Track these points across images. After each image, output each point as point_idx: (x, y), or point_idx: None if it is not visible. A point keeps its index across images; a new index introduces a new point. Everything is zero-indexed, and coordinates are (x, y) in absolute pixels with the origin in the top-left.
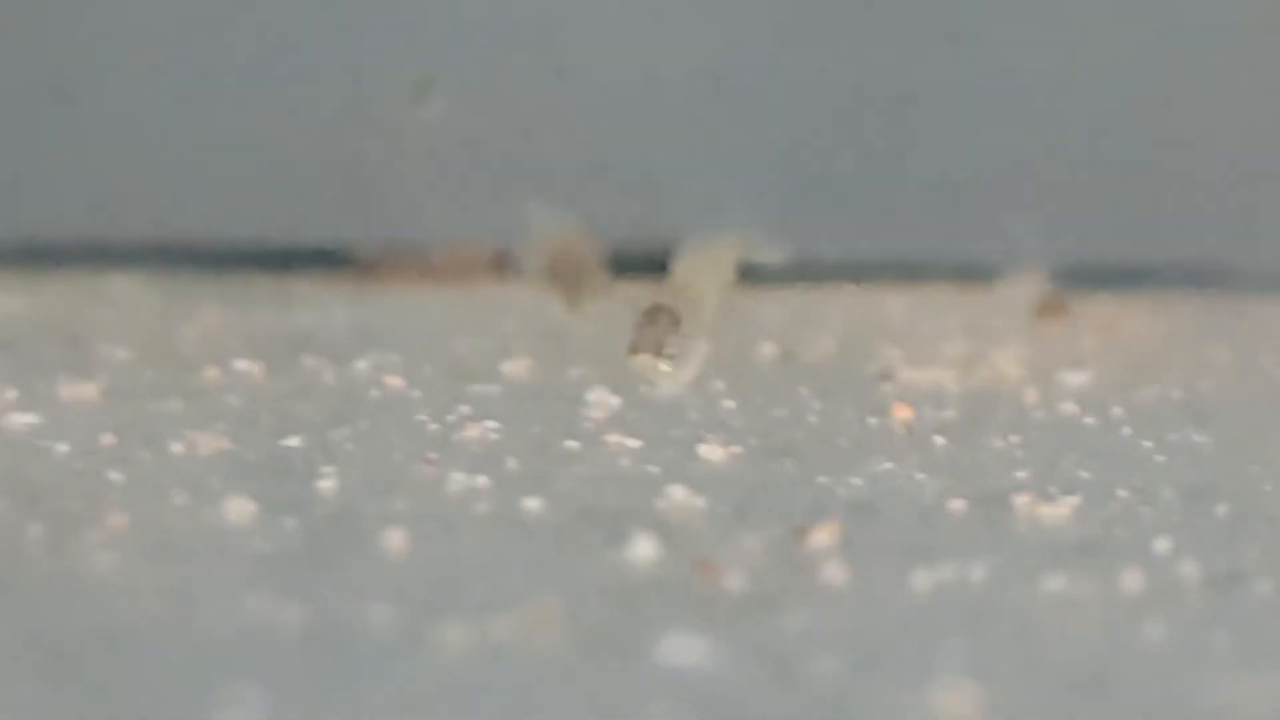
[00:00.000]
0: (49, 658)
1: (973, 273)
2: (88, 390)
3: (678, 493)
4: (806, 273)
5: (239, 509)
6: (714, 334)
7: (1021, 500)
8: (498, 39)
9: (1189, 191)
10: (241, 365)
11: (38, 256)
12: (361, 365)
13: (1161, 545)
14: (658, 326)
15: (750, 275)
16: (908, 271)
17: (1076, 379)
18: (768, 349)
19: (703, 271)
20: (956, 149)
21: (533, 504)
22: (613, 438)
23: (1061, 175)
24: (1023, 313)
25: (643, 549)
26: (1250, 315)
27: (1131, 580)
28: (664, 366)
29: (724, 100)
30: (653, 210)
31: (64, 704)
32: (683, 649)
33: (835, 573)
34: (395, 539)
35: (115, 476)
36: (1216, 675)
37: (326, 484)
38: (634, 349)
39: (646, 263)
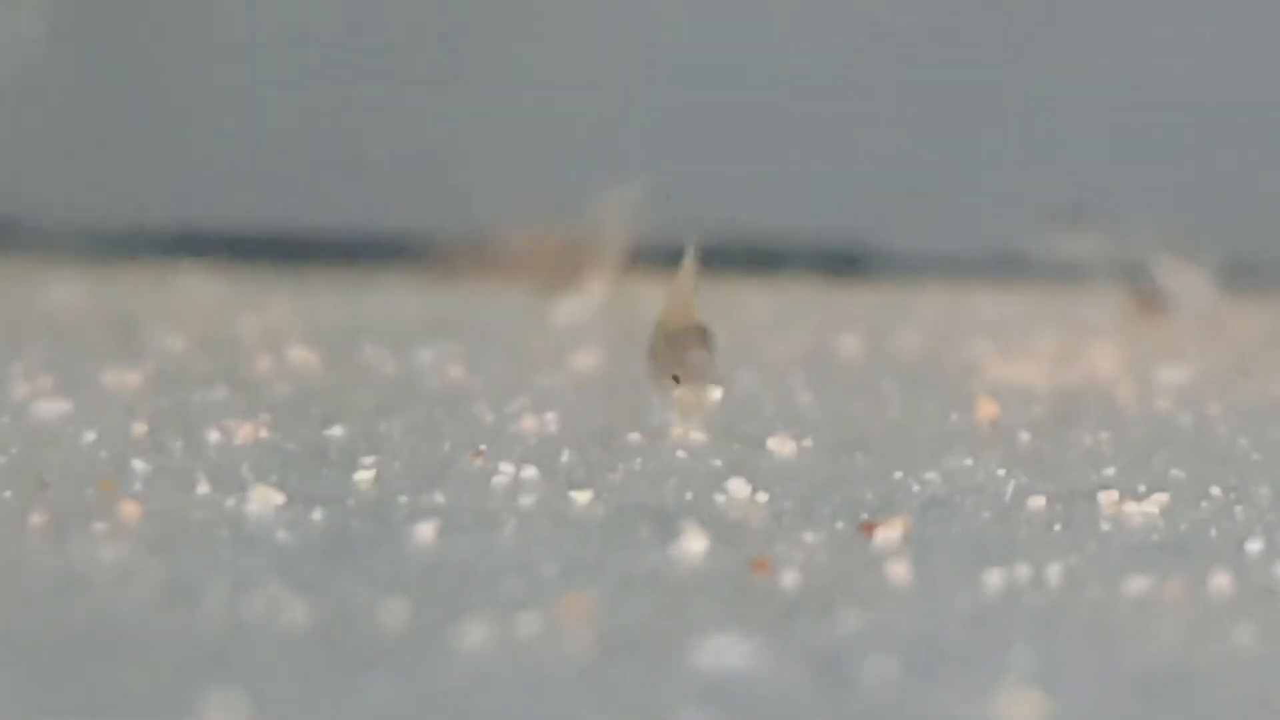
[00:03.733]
0: (36, 653)
1: (1070, 270)
2: (131, 379)
3: (739, 487)
4: (899, 267)
5: (263, 499)
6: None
7: (1107, 498)
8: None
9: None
10: (297, 354)
11: (106, 246)
12: (424, 355)
13: (1254, 546)
14: (696, 349)
15: (838, 268)
16: (1003, 267)
17: (1173, 375)
18: (852, 343)
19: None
20: (1055, 144)
21: (582, 498)
22: (678, 430)
23: (1164, 169)
24: (1120, 308)
25: (693, 545)
26: None
27: (1220, 582)
28: (715, 393)
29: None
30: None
31: (50, 700)
32: (722, 651)
33: (900, 571)
34: (425, 532)
35: (140, 465)
36: None
37: (364, 475)
38: (677, 379)
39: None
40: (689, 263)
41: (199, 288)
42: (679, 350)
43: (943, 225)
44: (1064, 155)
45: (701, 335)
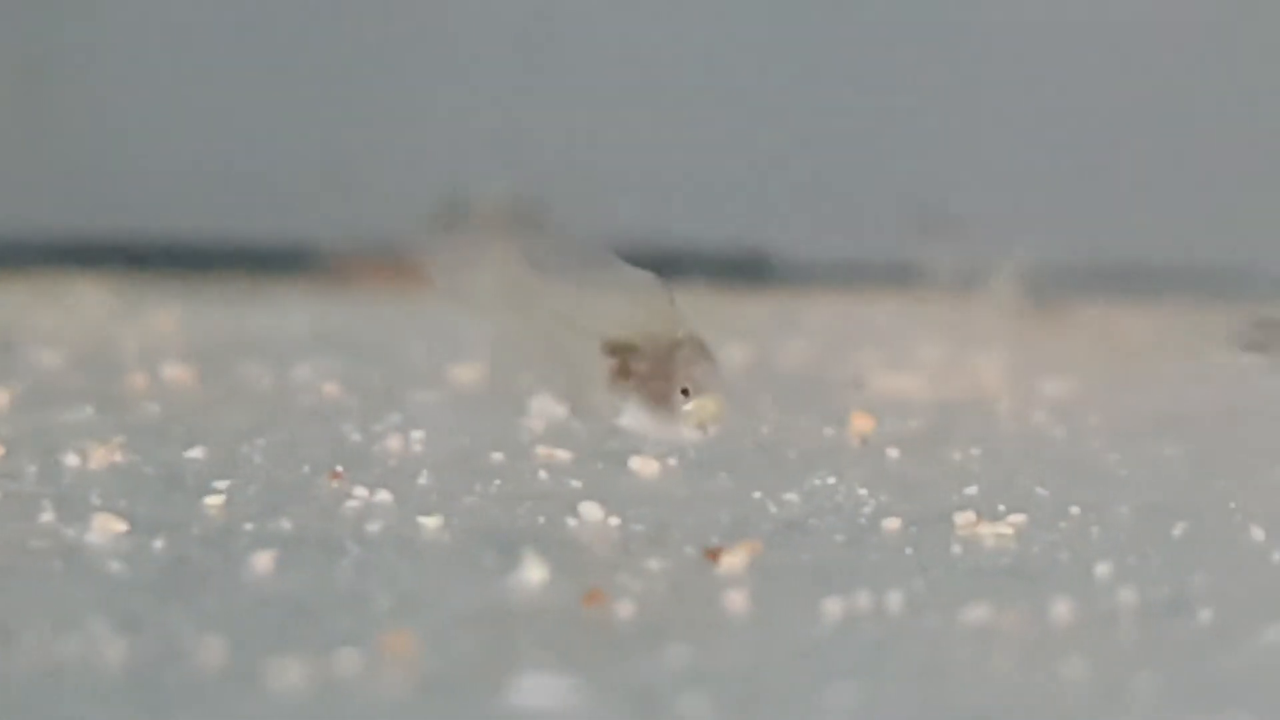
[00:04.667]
0: None
1: (959, 276)
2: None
3: (591, 511)
4: (788, 276)
5: (104, 528)
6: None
7: (964, 519)
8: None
9: (1187, 193)
10: (172, 371)
11: None
12: (301, 371)
13: (1103, 570)
14: (702, 361)
15: (731, 277)
16: (892, 275)
17: (1055, 387)
18: (738, 353)
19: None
20: (937, 151)
21: (430, 523)
22: (543, 449)
23: (1054, 176)
24: (1009, 318)
25: (531, 575)
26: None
27: (1061, 610)
28: (716, 405)
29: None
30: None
31: None
32: (542, 688)
33: (738, 601)
34: (263, 562)
35: None
36: (1135, 718)
37: (214, 500)
38: (686, 392)
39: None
40: (655, 278)
41: (84, 300)
42: (682, 365)
43: (841, 233)
44: (954, 162)
45: (701, 348)
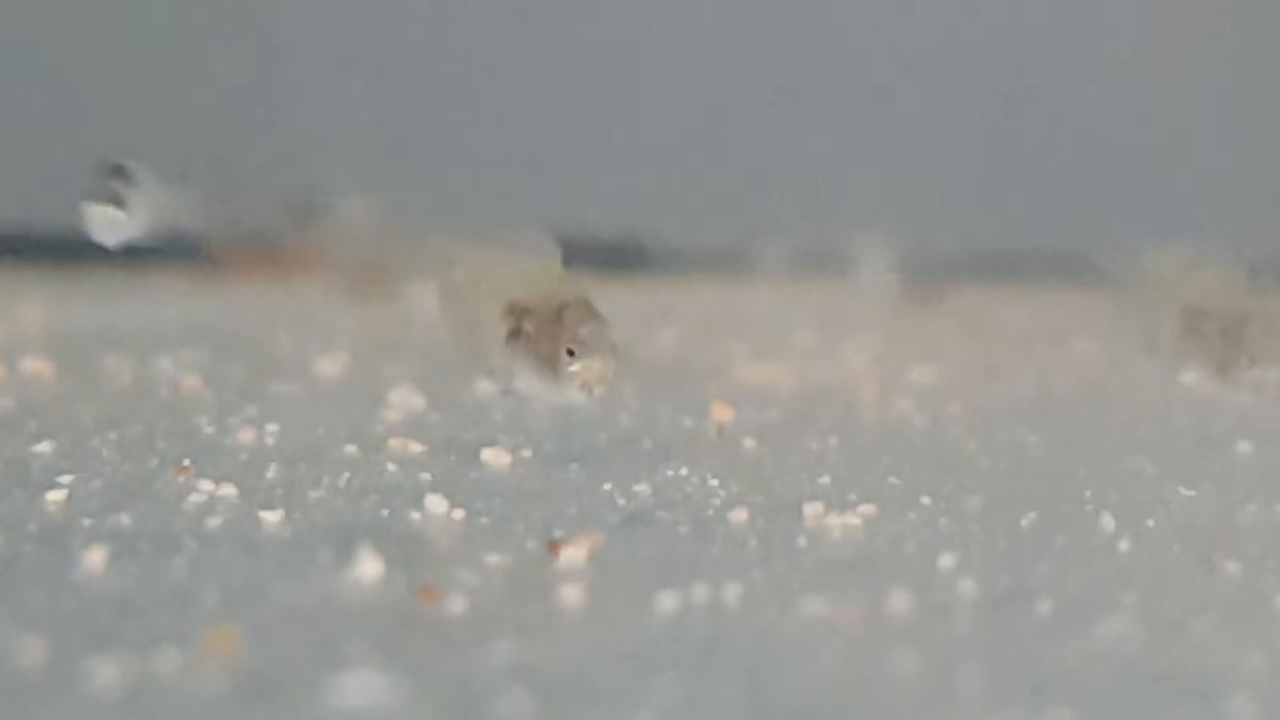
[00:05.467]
0: None
1: (834, 263)
2: None
3: (437, 504)
4: (658, 263)
5: None
6: None
7: (812, 510)
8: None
9: (1057, 181)
10: (32, 364)
11: None
12: (164, 363)
13: (946, 561)
14: (589, 321)
15: (605, 264)
16: (763, 261)
17: (922, 375)
18: None
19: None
20: (820, 137)
21: (271, 518)
22: (396, 442)
23: (927, 164)
24: (884, 304)
25: (366, 570)
26: (1121, 307)
27: (898, 602)
28: (613, 362)
29: None
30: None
31: None
32: (362, 687)
33: (573, 596)
34: (95, 559)
35: None
36: (958, 716)
37: (56, 495)
38: (572, 353)
39: None
40: (547, 244)
41: None
42: (569, 326)
43: (718, 219)
44: (827, 150)
45: (588, 308)
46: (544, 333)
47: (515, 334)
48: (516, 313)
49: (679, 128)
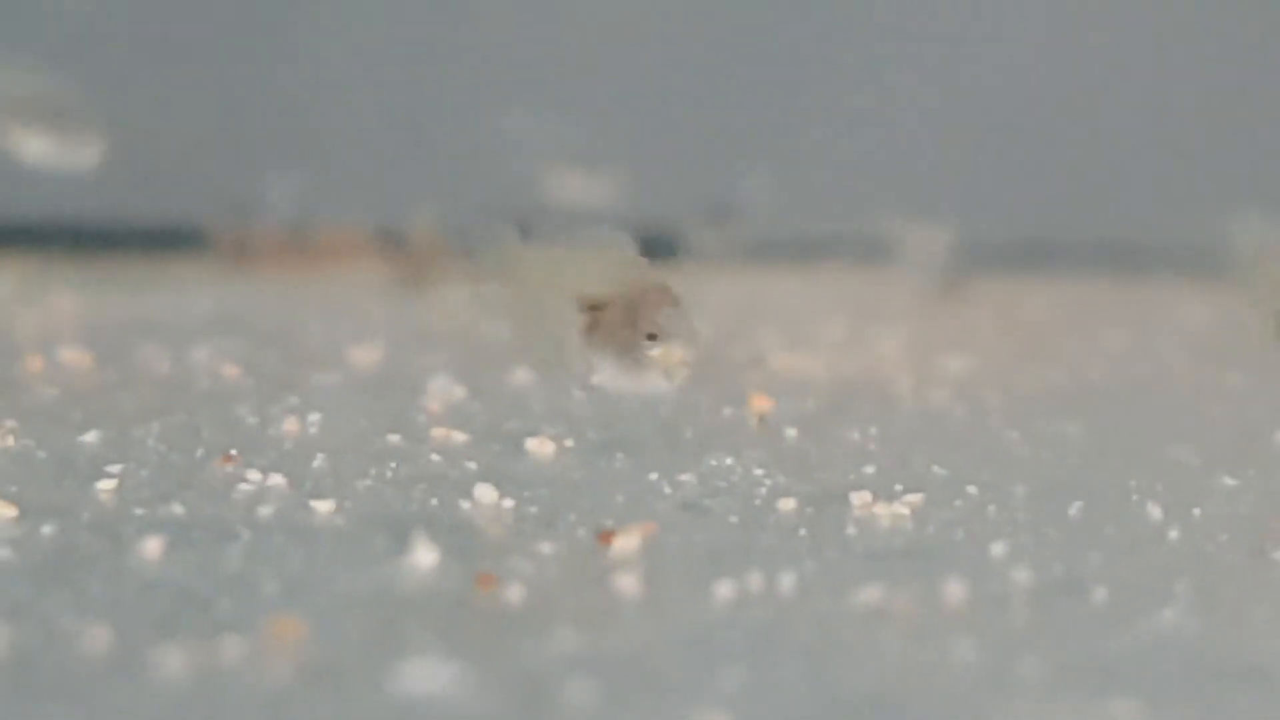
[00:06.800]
0: None
1: (867, 252)
2: None
3: (485, 493)
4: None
5: None
6: None
7: (860, 499)
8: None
9: (1089, 172)
10: (70, 354)
11: None
12: (200, 354)
13: (998, 549)
14: (669, 306)
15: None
16: (799, 252)
17: (957, 364)
18: None
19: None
20: (857, 126)
21: (323, 507)
22: (439, 432)
23: (960, 156)
24: (912, 295)
25: (421, 559)
26: (1152, 298)
27: (953, 590)
28: (693, 348)
29: None
30: None
31: None
32: (425, 675)
33: (629, 584)
34: (152, 548)
35: None
36: (1019, 703)
37: (107, 485)
38: (653, 337)
39: None
40: (620, 237)
41: None
42: (648, 312)
43: (747, 210)
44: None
45: (666, 293)
46: (622, 321)
47: (593, 327)
48: (592, 306)
49: (711, 114)
